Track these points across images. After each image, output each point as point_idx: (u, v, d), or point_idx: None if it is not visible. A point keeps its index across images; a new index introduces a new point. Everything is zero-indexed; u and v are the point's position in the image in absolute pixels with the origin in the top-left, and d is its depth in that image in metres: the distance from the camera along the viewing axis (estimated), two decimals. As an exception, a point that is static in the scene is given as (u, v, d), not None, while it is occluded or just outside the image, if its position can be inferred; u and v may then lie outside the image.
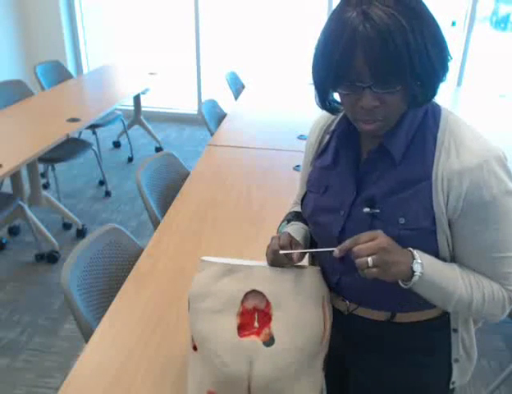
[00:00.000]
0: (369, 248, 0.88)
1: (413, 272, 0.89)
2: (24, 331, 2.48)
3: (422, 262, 0.90)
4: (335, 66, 0.84)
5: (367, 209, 0.96)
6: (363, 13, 0.80)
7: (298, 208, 1.21)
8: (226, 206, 2.05)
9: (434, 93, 0.90)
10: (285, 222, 1.20)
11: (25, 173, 3.17)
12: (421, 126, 0.93)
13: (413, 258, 0.90)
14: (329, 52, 0.85)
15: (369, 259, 0.87)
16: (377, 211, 0.95)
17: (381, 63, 0.81)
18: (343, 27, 0.82)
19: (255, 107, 3.49)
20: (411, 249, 0.92)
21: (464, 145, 0.90)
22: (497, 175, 0.88)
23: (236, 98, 3.80)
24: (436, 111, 0.95)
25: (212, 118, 3.15)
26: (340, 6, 0.85)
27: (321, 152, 1.11)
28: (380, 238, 0.89)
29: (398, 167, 0.94)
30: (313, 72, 0.92)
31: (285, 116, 3.24)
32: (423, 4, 0.85)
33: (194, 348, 1.08)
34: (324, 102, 0.97)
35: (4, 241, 3.17)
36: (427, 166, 0.92)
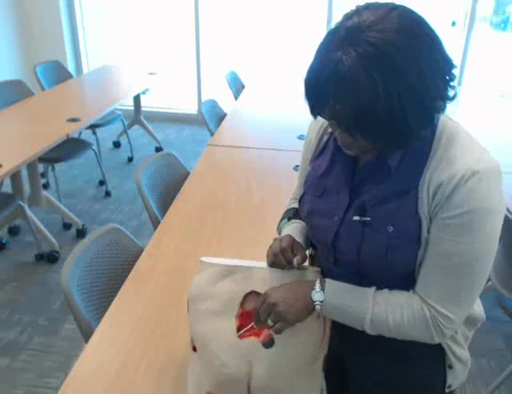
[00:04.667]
0: (263, 311, 0.98)
1: (314, 301, 0.95)
2: (24, 331, 2.48)
3: (322, 290, 0.96)
4: (312, 103, 0.86)
5: (356, 217, 0.96)
6: (340, 60, 0.77)
7: (297, 205, 1.21)
8: (226, 206, 2.05)
9: (413, 137, 0.84)
10: (286, 219, 1.20)
11: (25, 173, 3.17)
12: None
13: (313, 289, 0.96)
14: (308, 87, 0.84)
15: (269, 321, 0.98)
16: (368, 219, 0.95)
17: (343, 115, 0.81)
18: (322, 70, 0.80)
19: (255, 107, 3.49)
20: (318, 279, 0.97)
21: (457, 155, 0.87)
22: (483, 189, 0.84)
23: (236, 98, 3.80)
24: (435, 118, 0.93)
25: (212, 118, 3.15)
26: (325, 43, 0.82)
27: (320, 152, 1.10)
28: (268, 297, 0.98)
29: (392, 176, 0.93)
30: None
31: (285, 116, 3.24)
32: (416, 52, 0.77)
33: (194, 349, 1.08)
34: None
35: (4, 241, 3.17)
36: (419, 175, 0.90)
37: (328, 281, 0.98)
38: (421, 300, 0.92)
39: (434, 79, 0.79)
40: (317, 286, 0.96)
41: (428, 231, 0.90)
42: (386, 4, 0.81)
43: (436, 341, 0.93)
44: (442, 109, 0.85)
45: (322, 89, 0.81)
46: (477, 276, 0.89)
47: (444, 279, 0.89)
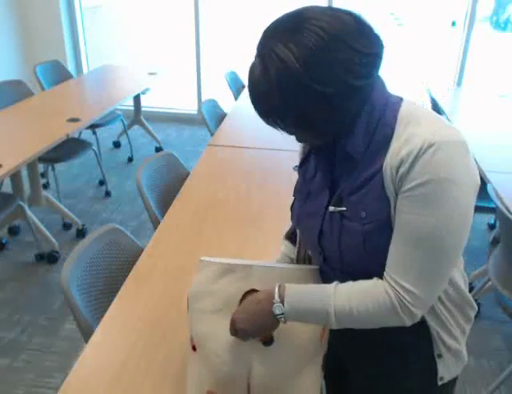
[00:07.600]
0: (242, 338, 1.00)
1: (276, 316, 0.95)
2: (24, 331, 2.48)
3: (281, 300, 0.95)
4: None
5: (332, 208, 0.97)
6: (253, 67, 0.89)
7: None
8: (226, 206, 2.05)
9: (340, 127, 0.91)
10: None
11: (25, 173, 3.17)
12: (380, 123, 0.92)
13: (273, 303, 0.95)
14: None
15: (252, 338, 1.00)
16: (343, 209, 0.96)
17: (260, 111, 0.91)
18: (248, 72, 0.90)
19: (255, 107, 3.49)
20: (275, 289, 0.96)
21: (414, 132, 0.88)
22: (441, 159, 0.83)
23: (236, 98, 3.80)
24: (396, 106, 0.94)
25: (212, 118, 3.15)
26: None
27: (305, 158, 1.12)
28: (236, 325, 0.99)
29: (360, 164, 0.94)
30: None
31: (285, 116, 3.23)
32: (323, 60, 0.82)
33: (194, 348, 1.09)
34: None
35: (4, 241, 3.17)
36: (382, 158, 0.91)
37: (288, 287, 0.96)
38: (386, 283, 0.91)
39: (326, 68, 0.83)
40: (276, 298, 0.95)
41: (395, 209, 0.90)
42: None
43: (408, 323, 0.91)
44: (352, 96, 0.87)
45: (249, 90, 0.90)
46: (441, 250, 0.87)
47: (406, 252, 0.88)
